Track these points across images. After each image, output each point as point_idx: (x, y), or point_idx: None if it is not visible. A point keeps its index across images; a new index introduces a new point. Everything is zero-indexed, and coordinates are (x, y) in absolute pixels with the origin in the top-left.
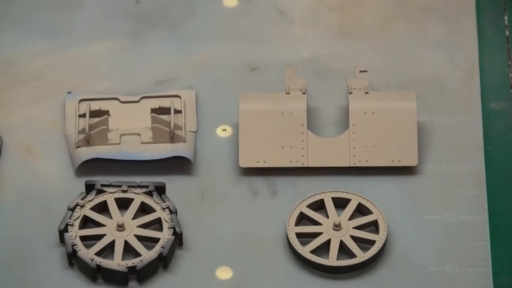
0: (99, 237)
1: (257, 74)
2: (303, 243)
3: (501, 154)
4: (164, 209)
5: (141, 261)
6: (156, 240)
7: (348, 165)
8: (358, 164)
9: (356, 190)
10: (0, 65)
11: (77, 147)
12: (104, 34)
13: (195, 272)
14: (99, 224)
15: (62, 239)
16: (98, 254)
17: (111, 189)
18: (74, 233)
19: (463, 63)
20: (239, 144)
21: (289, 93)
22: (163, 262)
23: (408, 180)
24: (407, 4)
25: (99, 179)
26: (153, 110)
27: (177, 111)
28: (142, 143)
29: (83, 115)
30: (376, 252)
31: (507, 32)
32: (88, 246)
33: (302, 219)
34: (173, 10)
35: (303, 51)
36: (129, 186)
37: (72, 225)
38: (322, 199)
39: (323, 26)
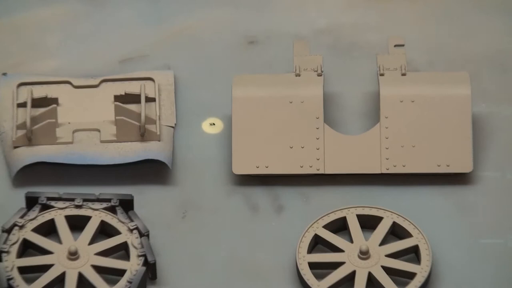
0: (45, 268)
1: (256, 50)
2: (319, 276)
3: None
4: (131, 230)
5: None
6: (121, 273)
7: (379, 172)
8: (392, 170)
9: (390, 206)
10: None
11: (15, 147)
12: None
13: None
14: (44, 251)
15: None
16: None
17: (60, 204)
18: (11, 263)
19: None
20: (232, 143)
21: (299, 75)
22: None
23: (459, 192)
24: None
25: (45, 191)
26: (117, 98)
27: (150, 99)
28: (102, 142)
29: (23, 105)
30: None
31: None
32: (29, 281)
33: (317, 243)
34: None
35: (317, 19)
36: (84, 200)
37: (7, 252)
38: (344, 217)
39: None
